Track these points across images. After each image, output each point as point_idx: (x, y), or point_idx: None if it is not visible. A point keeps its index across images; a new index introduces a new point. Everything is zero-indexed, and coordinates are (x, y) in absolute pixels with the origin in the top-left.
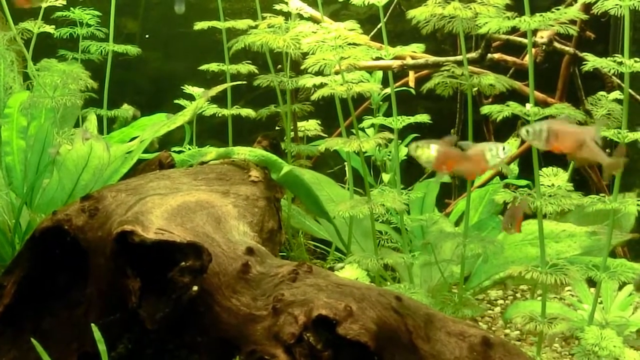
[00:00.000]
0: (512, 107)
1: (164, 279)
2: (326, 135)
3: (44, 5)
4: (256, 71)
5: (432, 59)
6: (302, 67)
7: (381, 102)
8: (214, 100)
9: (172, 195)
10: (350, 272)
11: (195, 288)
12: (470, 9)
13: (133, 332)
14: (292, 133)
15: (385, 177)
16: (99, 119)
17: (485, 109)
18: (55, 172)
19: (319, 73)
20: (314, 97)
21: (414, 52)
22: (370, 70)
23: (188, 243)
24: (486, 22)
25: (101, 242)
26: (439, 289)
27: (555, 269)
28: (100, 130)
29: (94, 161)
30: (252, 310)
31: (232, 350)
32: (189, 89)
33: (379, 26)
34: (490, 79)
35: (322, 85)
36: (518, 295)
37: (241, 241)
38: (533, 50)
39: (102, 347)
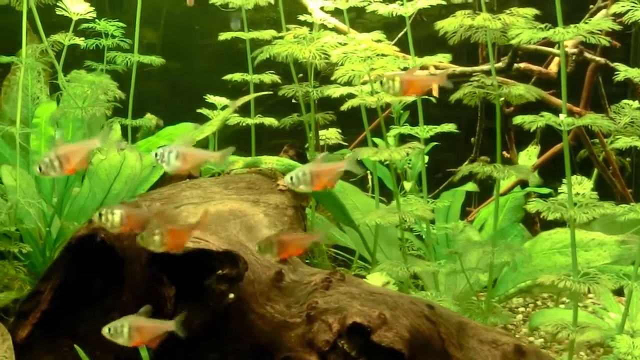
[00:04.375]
0: (546, 118)
1: (198, 286)
2: (346, 144)
3: (75, 17)
4: (279, 81)
5: (458, 69)
6: (333, 78)
7: (402, 111)
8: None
9: (205, 205)
10: (377, 280)
11: (231, 295)
12: (500, 19)
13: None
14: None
15: (407, 185)
16: (123, 128)
17: (517, 119)
18: (86, 181)
19: (345, 83)
20: (344, 107)
21: (440, 62)
22: None
23: (224, 251)
24: (519, 33)
25: (137, 250)
26: (463, 296)
27: (587, 277)
28: (125, 140)
29: (127, 170)
30: (286, 317)
31: (263, 356)
32: (212, 98)
33: (399, 35)
34: (520, 89)
35: (349, 96)
36: (539, 303)
37: None
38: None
39: (144, 353)
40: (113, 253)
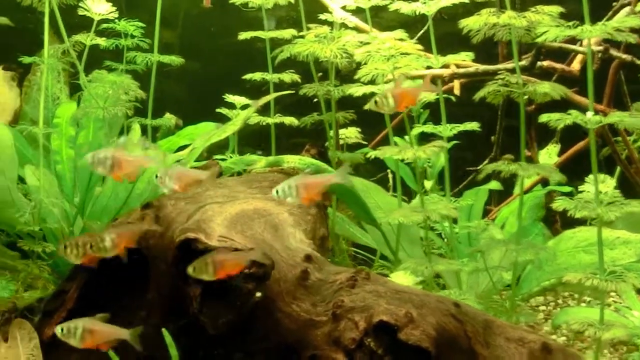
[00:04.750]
0: (573, 116)
1: (223, 285)
2: (366, 143)
3: (97, 18)
4: (299, 80)
5: (482, 67)
6: (356, 77)
7: (422, 110)
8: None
9: (230, 204)
10: (401, 279)
11: (258, 294)
12: (525, 17)
13: (189, 336)
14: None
15: (427, 184)
16: (143, 128)
17: (544, 117)
18: (109, 181)
19: (368, 82)
20: (368, 106)
21: (464, 60)
22: (421, 79)
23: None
24: (545, 31)
25: (162, 249)
26: (485, 295)
27: (614, 276)
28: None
29: (150, 170)
30: (312, 315)
31: (290, 354)
32: (231, 98)
33: (419, 33)
34: (545, 87)
35: (372, 95)
36: (560, 301)
37: (299, 248)
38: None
39: (173, 351)
40: (137, 252)
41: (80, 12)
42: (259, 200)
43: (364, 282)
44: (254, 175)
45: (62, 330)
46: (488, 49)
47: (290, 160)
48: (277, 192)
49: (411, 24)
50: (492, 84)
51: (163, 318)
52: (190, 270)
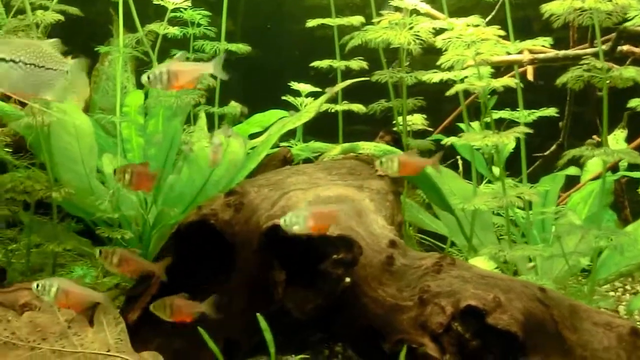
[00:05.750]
0: None
1: (307, 271)
2: (432, 130)
3: (170, 6)
4: (366, 67)
5: (562, 52)
6: (438, 63)
7: (489, 96)
8: (314, 95)
9: (312, 190)
10: (480, 264)
11: (347, 280)
12: (610, 1)
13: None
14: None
15: (495, 170)
16: (209, 116)
17: (634, 102)
18: (185, 168)
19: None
20: (450, 92)
21: (543, 46)
22: (500, 65)
23: (339, 236)
24: (636, 15)
25: (247, 235)
26: (560, 280)
27: None
28: (211, 127)
29: (229, 156)
30: (397, 300)
31: (377, 338)
32: (297, 85)
33: (487, 19)
34: (631, 72)
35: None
36: (628, 287)
37: (383, 234)
38: None
39: (268, 336)
40: (220, 239)
41: (155, 0)
42: (340, 186)
43: (449, 267)
44: (330, 162)
45: (37, 286)
46: (548, 34)
47: (366, 147)
48: (284, 220)
49: (469, 10)
50: (575, 69)
51: (247, 303)
52: (151, 307)
